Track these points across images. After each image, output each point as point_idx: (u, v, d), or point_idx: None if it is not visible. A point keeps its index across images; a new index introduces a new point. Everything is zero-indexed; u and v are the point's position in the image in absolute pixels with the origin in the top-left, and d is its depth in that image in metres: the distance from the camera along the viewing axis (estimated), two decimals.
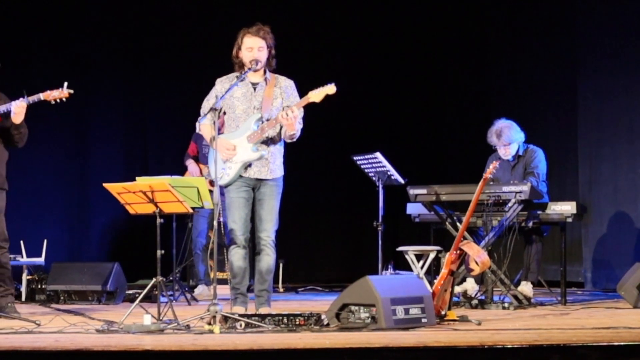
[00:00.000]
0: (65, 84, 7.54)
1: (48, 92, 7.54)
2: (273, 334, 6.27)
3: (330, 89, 7.27)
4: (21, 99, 7.52)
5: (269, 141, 7.43)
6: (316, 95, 7.27)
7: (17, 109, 7.52)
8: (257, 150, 7.37)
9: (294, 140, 7.48)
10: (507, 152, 9.28)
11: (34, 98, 7.52)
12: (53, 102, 7.55)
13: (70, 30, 11.78)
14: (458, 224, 8.68)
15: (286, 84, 7.54)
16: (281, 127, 7.44)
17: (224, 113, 7.49)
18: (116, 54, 12.18)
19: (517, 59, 12.22)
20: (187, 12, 12.30)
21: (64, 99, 7.56)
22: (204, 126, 7.49)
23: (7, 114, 7.58)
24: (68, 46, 11.78)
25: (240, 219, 7.39)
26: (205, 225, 10.23)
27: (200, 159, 10.20)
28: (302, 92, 7.48)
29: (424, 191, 8.81)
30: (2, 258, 7.73)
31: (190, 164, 10.25)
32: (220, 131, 7.52)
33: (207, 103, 7.55)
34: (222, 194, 7.45)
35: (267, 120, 7.38)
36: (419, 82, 12.61)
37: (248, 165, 7.40)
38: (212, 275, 9.06)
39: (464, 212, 7.91)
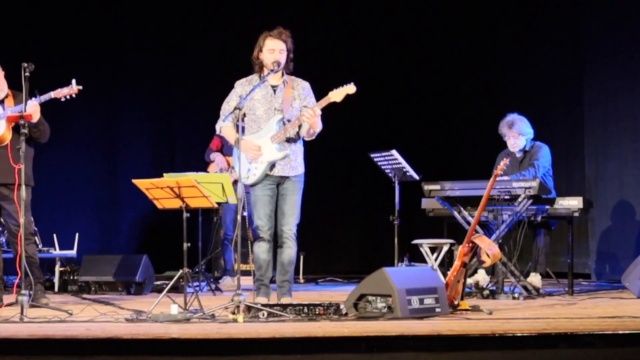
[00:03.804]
0: (74, 80, 7.60)
1: (58, 90, 7.61)
2: (294, 323, 6.38)
3: (351, 88, 7.36)
4: (33, 98, 7.57)
5: (290, 140, 7.58)
6: (337, 94, 7.36)
7: (30, 109, 7.51)
8: (281, 149, 7.52)
9: (313, 137, 7.62)
10: (515, 143, 9.33)
11: (45, 97, 7.59)
12: (63, 99, 7.61)
13: (99, 30, 11.91)
14: (470, 218, 8.78)
15: (303, 86, 7.68)
16: (299, 127, 7.59)
17: (244, 114, 7.54)
18: (144, 53, 12.30)
19: (526, 59, 12.22)
20: (212, 13, 12.39)
21: (73, 96, 7.62)
22: (226, 128, 7.60)
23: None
24: (97, 46, 11.92)
25: (265, 215, 7.56)
26: (233, 217, 10.31)
27: (226, 151, 10.25)
28: (320, 92, 7.57)
29: (437, 187, 8.93)
30: (28, 249, 7.70)
31: (217, 156, 10.33)
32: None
33: (228, 105, 7.65)
34: (247, 192, 7.64)
35: (289, 121, 7.53)
36: (433, 84, 12.65)
37: (273, 165, 7.56)
38: (236, 266, 9.17)
39: (476, 206, 7.97)
